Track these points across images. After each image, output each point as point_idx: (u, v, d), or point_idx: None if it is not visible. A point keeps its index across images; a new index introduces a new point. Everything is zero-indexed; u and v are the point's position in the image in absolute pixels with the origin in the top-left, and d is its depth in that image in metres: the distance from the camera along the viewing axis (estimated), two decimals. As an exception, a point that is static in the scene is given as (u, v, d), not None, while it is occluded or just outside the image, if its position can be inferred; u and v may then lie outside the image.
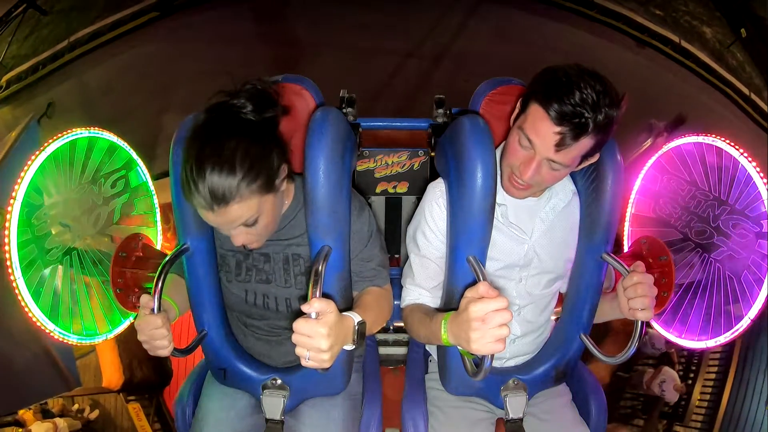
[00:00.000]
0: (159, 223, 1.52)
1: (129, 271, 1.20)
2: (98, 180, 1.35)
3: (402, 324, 1.15)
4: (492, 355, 0.79)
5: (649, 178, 1.40)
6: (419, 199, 1.16)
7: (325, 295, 0.88)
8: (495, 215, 1.00)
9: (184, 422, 1.18)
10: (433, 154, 1.36)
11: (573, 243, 1.10)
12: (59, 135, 1.24)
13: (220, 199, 0.83)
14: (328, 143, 0.93)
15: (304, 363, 0.79)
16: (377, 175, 1.49)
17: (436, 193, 1.07)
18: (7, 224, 1.13)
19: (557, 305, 1.20)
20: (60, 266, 1.24)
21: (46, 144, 1.21)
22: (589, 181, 1.05)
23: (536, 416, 1.14)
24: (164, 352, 0.91)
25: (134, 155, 1.45)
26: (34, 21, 4.23)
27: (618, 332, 3.11)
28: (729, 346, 3.52)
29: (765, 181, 1.18)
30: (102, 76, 4.13)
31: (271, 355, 1.13)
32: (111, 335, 1.35)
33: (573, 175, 1.10)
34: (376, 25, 4.31)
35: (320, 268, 0.87)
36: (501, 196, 1.05)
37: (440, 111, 1.36)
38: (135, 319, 1.04)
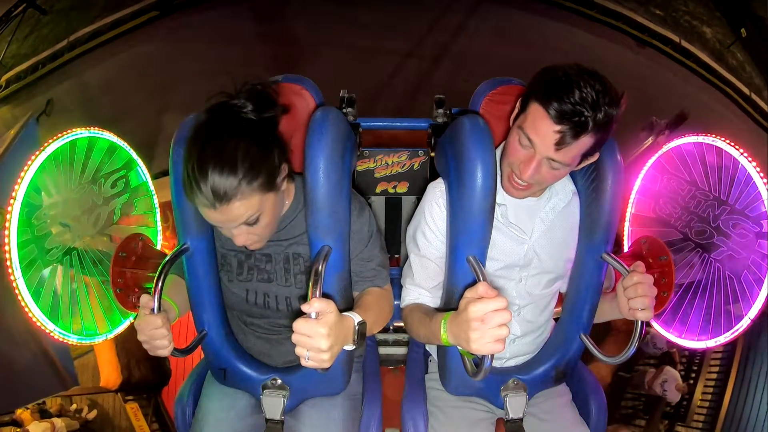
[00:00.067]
0: (159, 223, 1.52)
1: (129, 271, 1.20)
2: (98, 180, 1.35)
3: (402, 324, 1.15)
4: (492, 355, 0.79)
5: (649, 178, 1.40)
6: (419, 199, 1.16)
7: (325, 295, 0.88)
8: (495, 215, 1.00)
9: (184, 422, 1.17)
10: (433, 154, 1.36)
11: (573, 243, 1.10)
12: (59, 135, 1.24)
13: (222, 198, 0.83)
14: (328, 143, 0.93)
15: (303, 363, 0.79)
16: (377, 175, 1.49)
17: (436, 193, 1.07)
18: (7, 224, 1.13)
19: (557, 305, 1.20)
20: (60, 266, 1.24)
21: (46, 144, 1.21)
22: (589, 181, 1.05)
23: (536, 416, 1.14)
24: (164, 352, 0.91)
25: (134, 155, 1.45)
26: (34, 20, 4.23)
27: (619, 331, 3.11)
28: (731, 346, 3.52)
29: (765, 181, 1.18)
30: (102, 76, 4.13)
31: (271, 354, 1.13)
32: (111, 335, 1.35)
33: (573, 175, 1.10)
34: (375, 25, 4.32)
35: (320, 268, 0.88)
36: (501, 196, 1.04)
37: (440, 111, 1.36)
38: (135, 319, 1.04)
